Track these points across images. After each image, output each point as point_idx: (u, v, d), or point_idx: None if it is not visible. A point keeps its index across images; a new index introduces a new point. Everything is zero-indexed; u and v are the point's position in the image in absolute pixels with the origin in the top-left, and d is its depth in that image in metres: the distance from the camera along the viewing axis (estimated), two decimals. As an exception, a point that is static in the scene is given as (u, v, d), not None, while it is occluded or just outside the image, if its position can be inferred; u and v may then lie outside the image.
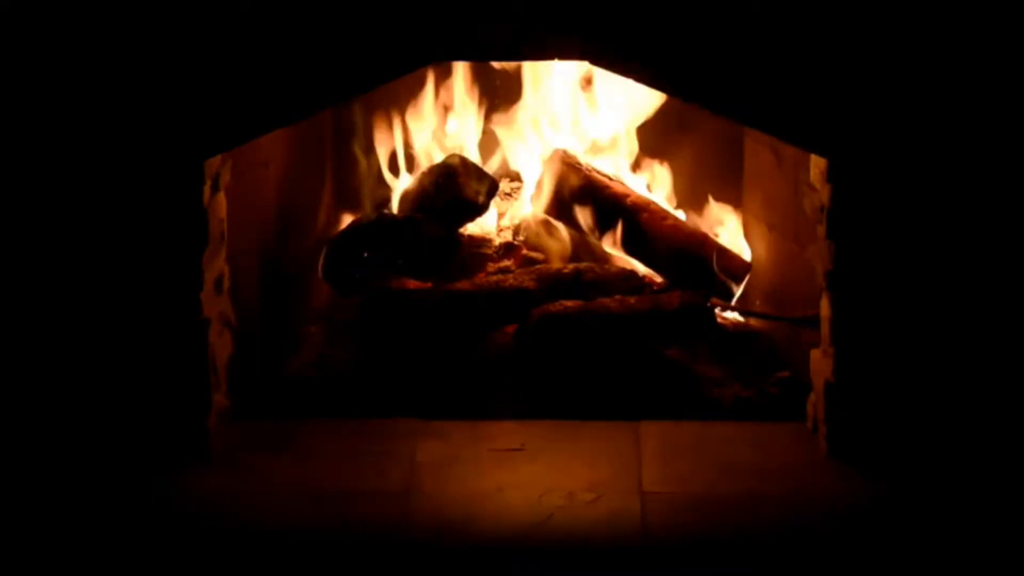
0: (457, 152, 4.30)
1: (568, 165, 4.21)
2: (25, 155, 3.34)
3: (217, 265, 3.48)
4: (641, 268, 4.13)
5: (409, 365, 3.80)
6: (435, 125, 4.37)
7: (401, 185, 4.34)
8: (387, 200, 4.35)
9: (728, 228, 4.27)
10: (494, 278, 4.03)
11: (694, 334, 3.88)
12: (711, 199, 4.30)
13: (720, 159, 4.32)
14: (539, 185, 4.23)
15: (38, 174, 3.35)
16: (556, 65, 4.26)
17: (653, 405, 3.69)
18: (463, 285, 3.99)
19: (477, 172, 4.24)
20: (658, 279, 4.09)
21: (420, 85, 4.33)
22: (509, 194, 4.37)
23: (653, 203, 4.20)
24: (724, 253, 4.14)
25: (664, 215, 4.18)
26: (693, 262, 4.08)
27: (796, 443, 3.53)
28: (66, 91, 3.31)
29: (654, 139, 4.36)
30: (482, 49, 3.42)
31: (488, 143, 4.39)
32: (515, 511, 3.20)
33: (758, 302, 4.12)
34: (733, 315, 4.08)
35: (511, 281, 3.98)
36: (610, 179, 4.22)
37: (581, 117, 4.35)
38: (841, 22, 3.27)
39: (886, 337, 3.36)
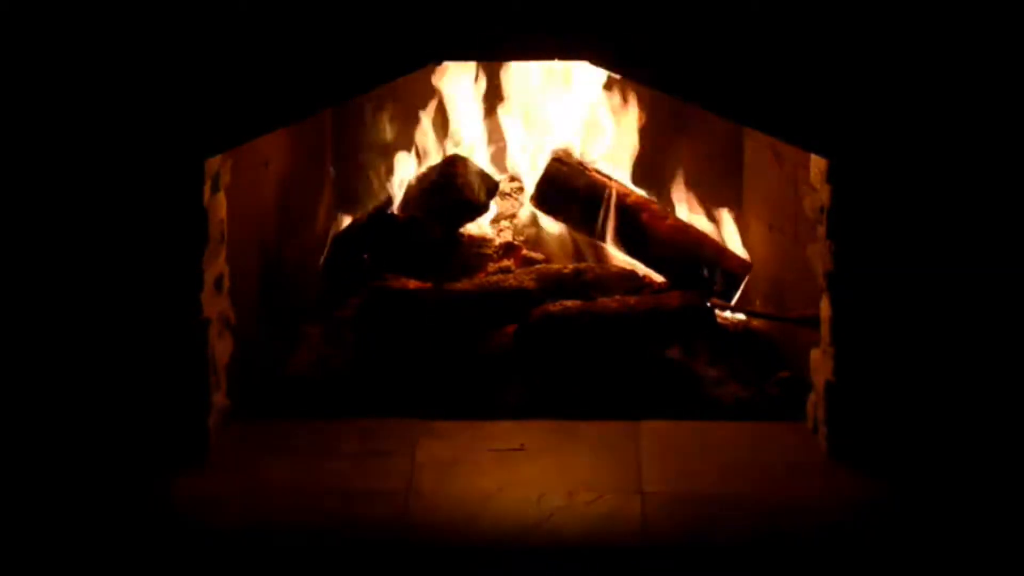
0: (458, 152, 4.30)
1: (568, 165, 4.22)
2: (25, 155, 3.34)
3: (217, 265, 3.48)
4: (641, 268, 4.13)
5: (409, 365, 3.80)
6: (436, 125, 4.37)
7: (401, 185, 4.34)
8: (388, 200, 4.34)
9: (728, 228, 4.27)
10: (494, 278, 4.03)
11: (694, 334, 3.88)
12: (711, 199, 4.30)
13: (720, 159, 4.33)
14: (539, 185, 4.23)
15: (39, 174, 3.35)
16: (557, 64, 4.26)
17: (653, 405, 3.69)
18: (463, 285, 3.99)
19: (477, 172, 4.24)
20: (658, 279, 4.09)
21: (421, 84, 4.33)
22: (509, 194, 4.37)
23: (653, 203, 4.21)
24: (724, 253, 4.15)
25: (664, 215, 4.18)
26: (693, 262, 4.08)
27: (796, 443, 3.52)
28: (66, 91, 3.31)
29: (654, 139, 4.36)
30: (481, 49, 3.43)
31: (489, 143, 4.40)
32: (515, 511, 3.19)
33: (758, 302, 4.12)
34: (733, 315, 4.08)
35: (511, 281, 3.98)
36: (610, 179, 4.22)
37: (582, 117, 4.36)
38: (841, 22, 3.27)
39: (886, 337, 3.36)
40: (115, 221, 3.35)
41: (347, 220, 4.33)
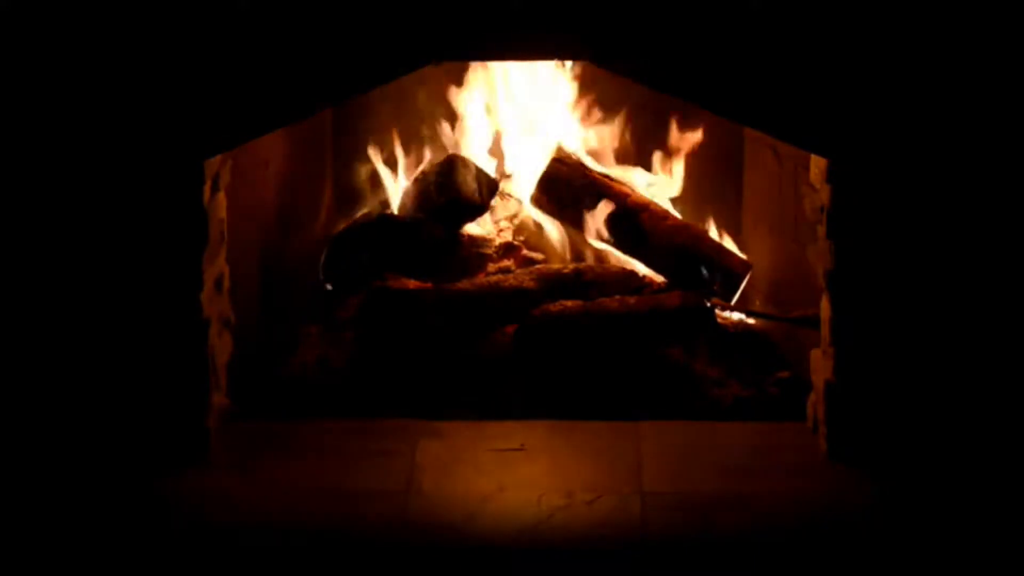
0: (457, 152, 4.30)
1: (568, 165, 4.21)
2: (25, 156, 3.34)
3: (217, 265, 3.49)
4: (641, 268, 4.13)
5: (409, 365, 3.80)
6: (435, 124, 4.37)
7: (401, 185, 4.34)
8: (387, 200, 4.34)
9: (728, 228, 4.27)
10: (494, 278, 4.03)
11: (694, 334, 3.88)
12: (711, 199, 4.30)
13: (720, 159, 4.32)
14: (539, 184, 4.22)
15: (38, 175, 3.35)
16: (557, 64, 4.26)
17: (653, 405, 3.69)
18: (463, 285, 3.99)
19: (477, 172, 4.24)
20: (658, 279, 4.09)
21: (421, 84, 4.33)
22: (509, 194, 4.37)
23: (653, 203, 4.20)
24: (724, 252, 4.14)
25: (664, 215, 4.18)
26: (693, 262, 4.07)
27: (796, 443, 3.52)
28: (66, 92, 3.31)
29: (654, 139, 4.36)
30: (480, 49, 3.42)
31: (488, 143, 4.39)
32: (515, 511, 3.20)
33: (758, 302, 4.11)
34: (733, 315, 4.08)
35: (511, 281, 3.98)
36: (610, 179, 4.22)
37: (581, 116, 4.35)
38: (841, 22, 3.27)
39: (886, 337, 3.36)
40: (116, 221, 3.35)
41: (347, 220, 4.33)
